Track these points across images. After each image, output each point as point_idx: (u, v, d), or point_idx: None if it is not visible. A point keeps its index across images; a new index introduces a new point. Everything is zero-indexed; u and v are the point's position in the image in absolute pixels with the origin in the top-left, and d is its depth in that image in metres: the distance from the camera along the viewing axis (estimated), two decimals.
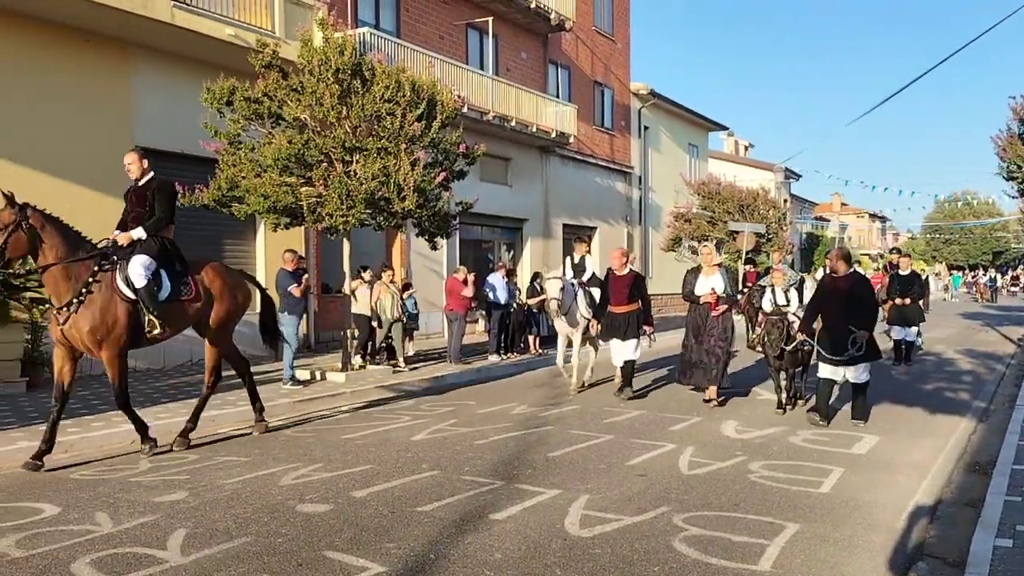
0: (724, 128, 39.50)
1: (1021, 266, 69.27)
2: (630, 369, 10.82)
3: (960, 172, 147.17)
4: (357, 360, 13.43)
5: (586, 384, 11.84)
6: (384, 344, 14.01)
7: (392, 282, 13.95)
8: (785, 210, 32.14)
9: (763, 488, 6.32)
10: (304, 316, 13.41)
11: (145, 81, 13.65)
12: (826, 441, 8.04)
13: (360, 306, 13.64)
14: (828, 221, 64.97)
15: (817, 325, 9.09)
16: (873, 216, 78.83)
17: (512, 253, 23.54)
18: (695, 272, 10.37)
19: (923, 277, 28.72)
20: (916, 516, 5.61)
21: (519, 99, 21.59)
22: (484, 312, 16.47)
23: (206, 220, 14.10)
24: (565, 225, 25.69)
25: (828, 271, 9.32)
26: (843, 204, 73.12)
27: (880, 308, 17.84)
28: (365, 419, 9.54)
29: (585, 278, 11.99)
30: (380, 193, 11.41)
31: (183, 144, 13.61)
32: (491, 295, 15.57)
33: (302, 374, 11.99)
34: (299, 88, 11.63)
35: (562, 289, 11.07)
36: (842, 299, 8.72)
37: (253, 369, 9.51)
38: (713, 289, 10.00)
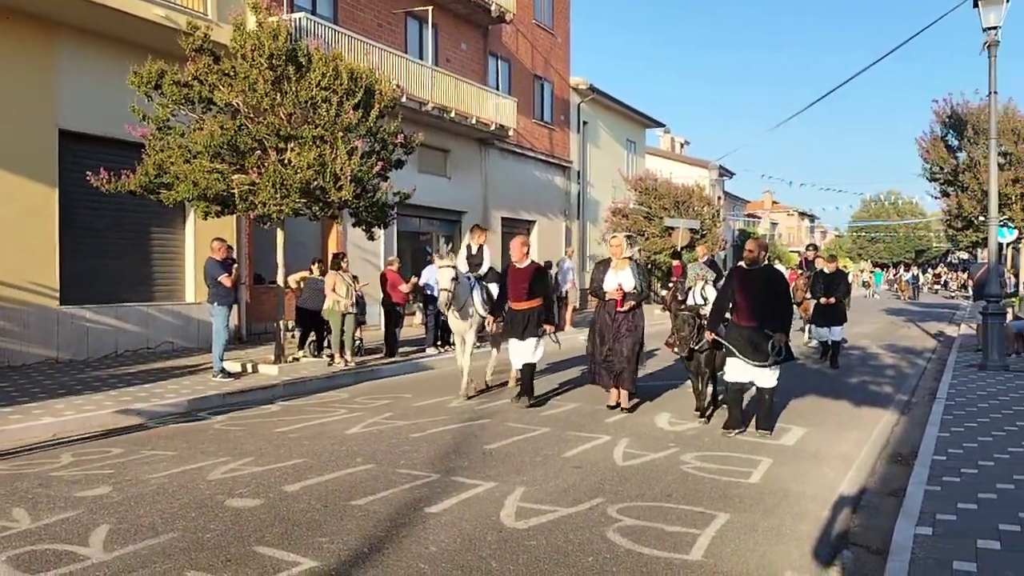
0: (661, 125, 40.01)
1: (942, 264, 71.93)
2: (529, 374, 9.79)
3: (885, 173, 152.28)
4: (301, 353, 13.24)
5: (489, 385, 11.11)
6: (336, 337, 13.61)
7: (346, 272, 13.57)
8: (719, 207, 32.75)
9: (695, 479, 6.41)
10: (235, 307, 13.13)
11: (69, 62, 13.12)
12: (756, 433, 8.20)
13: (308, 300, 13.37)
14: (759, 218, 66.48)
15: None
16: (802, 214, 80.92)
17: (450, 245, 23.43)
18: (603, 266, 9.40)
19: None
20: (841, 506, 5.77)
21: (459, 90, 21.47)
22: (421, 304, 16.36)
23: (132, 207, 13.69)
24: (504, 218, 25.69)
25: (742, 262, 8.32)
26: (774, 202, 74.90)
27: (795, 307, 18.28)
28: (298, 412, 9.38)
29: (482, 271, 11.29)
30: (316, 182, 11.22)
31: (109, 128, 13.16)
32: (429, 287, 15.45)
33: (232, 366, 11.73)
34: (231, 73, 11.34)
35: (454, 279, 10.02)
36: (755, 294, 7.94)
37: (182, 361, 9.27)
38: (620, 285, 9.10)
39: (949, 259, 76.73)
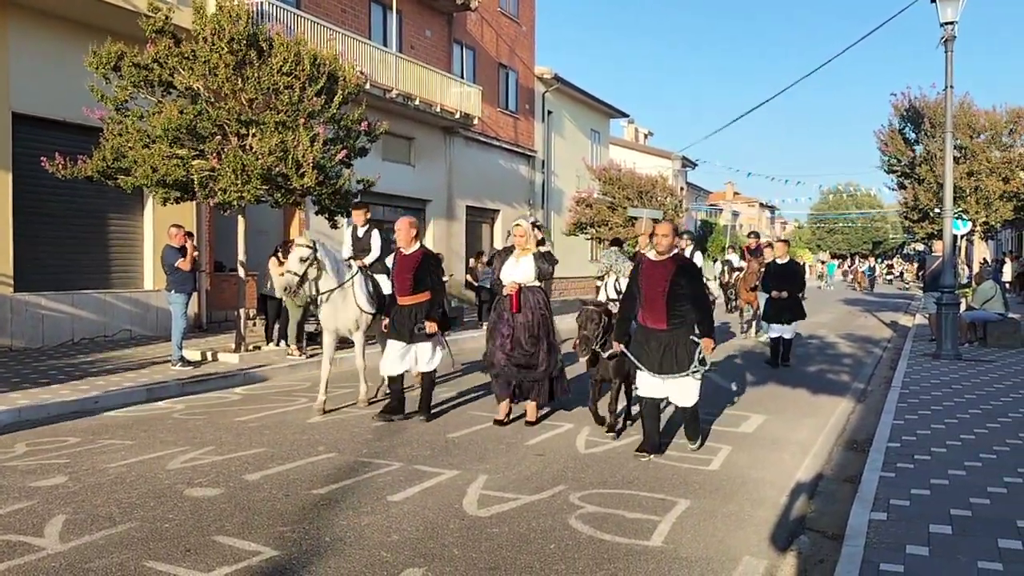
0: (625, 115, 40.16)
1: (897, 255, 73.31)
2: (427, 385, 8.21)
3: (844, 165, 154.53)
4: (272, 345, 13.09)
5: (379, 395, 9.36)
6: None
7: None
8: (681, 197, 32.97)
9: (656, 466, 6.48)
10: (195, 295, 12.95)
11: (23, 43, 12.79)
12: (716, 420, 8.30)
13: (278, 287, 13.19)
14: (721, 209, 67.13)
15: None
16: (763, 205, 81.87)
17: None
18: (503, 254, 8.04)
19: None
20: (798, 492, 5.87)
21: (423, 78, 21.35)
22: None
23: (89, 193, 13.43)
24: (468, 207, 25.65)
25: (651, 250, 6.86)
26: (735, 193, 75.67)
27: (734, 301, 17.19)
28: (259, 401, 9.29)
29: (369, 260, 9.79)
30: (277, 169, 11.08)
31: (65, 111, 12.88)
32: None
33: (192, 354, 11.58)
34: (192, 56, 11.14)
35: (309, 261, 8.26)
36: (666, 289, 6.51)
37: (140, 350, 9.13)
38: (514, 282, 7.74)
39: (904, 250, 78.21)
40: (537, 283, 7.80)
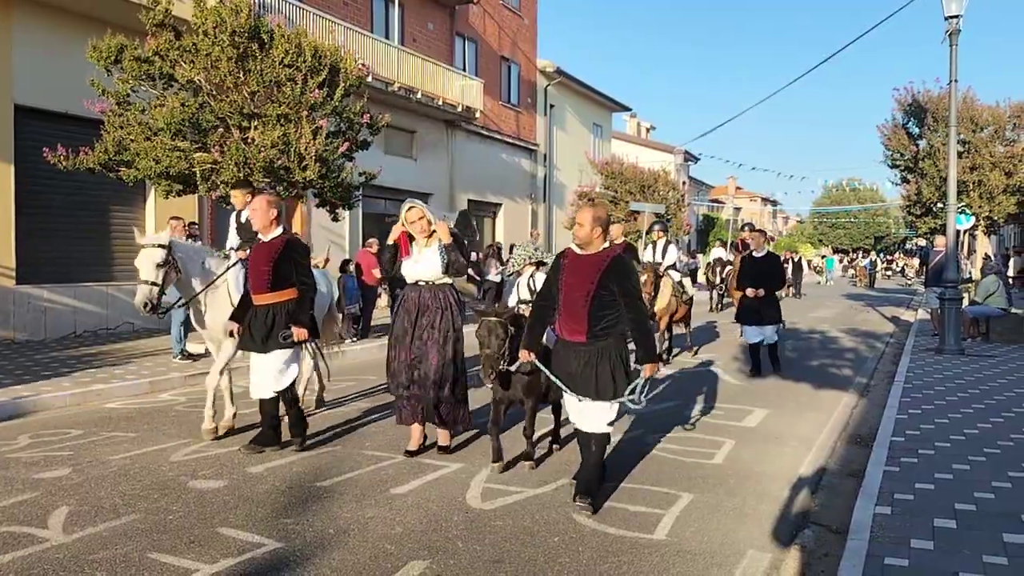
0: (627, 109, 40.06)
1: (899, 251, 73.18)
2: (288, 400, 6.63)
3: (847, 160, 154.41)
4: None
5: (234, 425, 7.27)
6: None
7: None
8: (684, 192, 32.93)
9: (659, 460, 6.47)
10: None
11: (25, 35, 12.77)
12: (719, 415, 8.30)
13: None
14: (723, 203, 67.05)
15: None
16: (765, 200, 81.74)
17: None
18: (392, 249, 6.47)
19: (796, 259, 29.76)
20: (802, 486, 5.86)
21: (425, 71, 21.30)
22: (387, 287, 16.27)
23: (92, 185, 13.40)
24: (470, 200, 25.61)
25: (575, 243, 5.39)
26: (738, 187, 75.50)
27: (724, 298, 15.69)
28: None
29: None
30: (280, 162, 11.07)
31: (67, 104, 12.85)
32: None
33: (195, 347, 11.57)
34: (193, 49, 11.12)
35: (165, 266, 6.67)
36: (589, 292, 5.09)
37: (143, 342, 9.11)
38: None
39: (906, 246, 78.11)
40: (447, 279, 6.41)
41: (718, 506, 5.32)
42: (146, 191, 14.54)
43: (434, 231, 6.35)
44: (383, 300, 18.21)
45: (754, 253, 11.26)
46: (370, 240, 15.69)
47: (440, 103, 21.90)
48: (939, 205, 22.66)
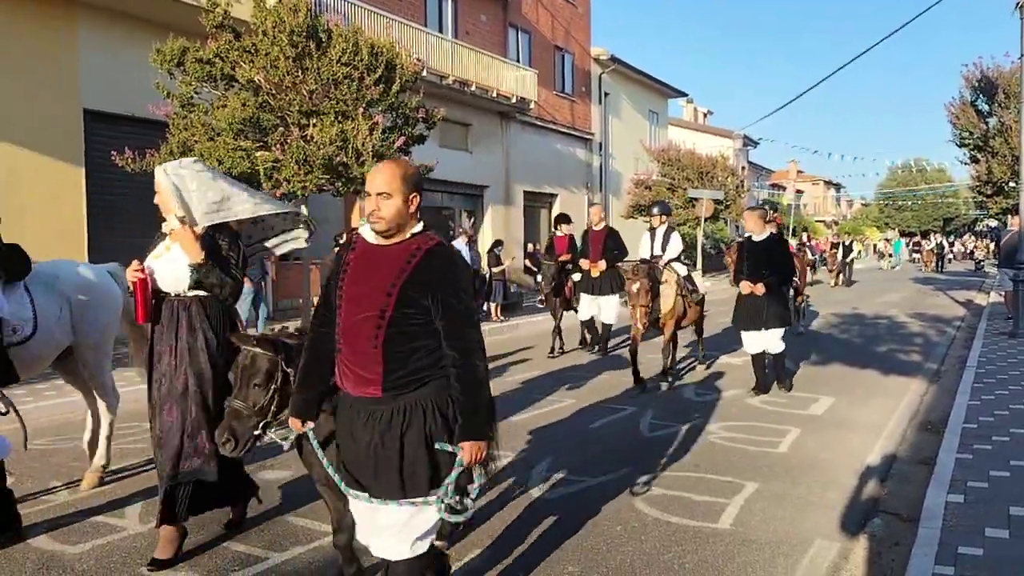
0: (684, 95, 39.57)
1: (968, 233, 70.77)
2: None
3: (913, 140, 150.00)
4: None
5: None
6: None
7: None
8: (743, 177, 32.41)
9: (722, 449, 6.40)
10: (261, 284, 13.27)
11: (91, 41, 13.20)
12: (783, 403, 8.17)
13: None
14: (784, 189, 65.78)
15: None
16: (828, 183, 79.94)
17: (473, 220, 23.44)
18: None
19: (847, 243, 28.32)
20: (870, 474, 5.74)
21: (479, 63, 21.35)
22: None
23: None
24: (526, 192, 25.62)
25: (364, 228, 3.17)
26: (799, 171, 74.00)
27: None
28: None
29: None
30: (338, 158, 11.23)
31: (131, 107, 13.22)
32: None
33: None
34: (252, 50, 11.34)
35: None
36: (384, 312, 2.96)
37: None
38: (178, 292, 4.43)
39: (977, 227, 75.53)
40: (188, 292, 4.34)
41: (784, 495, 5.24)
42: None
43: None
44: None
45: (753, 237, 8.83)
46: (427, 232, 15.83)
47: (494, 95, 21.93)
48: (1011, 184, 21.84)
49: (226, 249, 4.38)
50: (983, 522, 4.37)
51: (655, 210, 10.19)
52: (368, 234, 3.09)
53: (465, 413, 2.95)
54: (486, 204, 23.86)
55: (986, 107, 23.50)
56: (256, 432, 3.46)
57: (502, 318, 16.20)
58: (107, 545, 4.41)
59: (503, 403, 8.19)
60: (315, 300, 14.26)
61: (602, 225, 11.57)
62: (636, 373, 8.85)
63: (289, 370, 3.46)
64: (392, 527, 3.00)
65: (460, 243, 15.88)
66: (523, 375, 10.00)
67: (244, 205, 4.53)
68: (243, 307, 11.45)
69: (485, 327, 15.05)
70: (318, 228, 5.26)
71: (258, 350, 3.49)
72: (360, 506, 3.07)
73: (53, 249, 12.49)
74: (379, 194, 3.00)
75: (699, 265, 28.02)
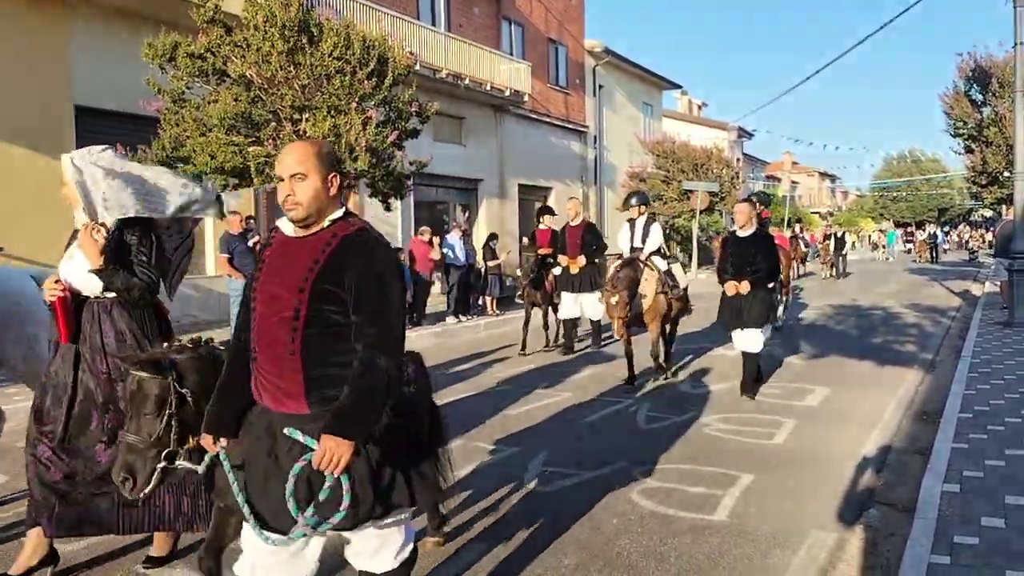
0: (678, 87, 39.51)
1: (964, 223, 70.84)
2: None
3: (907, 131, 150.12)
4: None
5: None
6: None
7: None
8: (738, 169, 32.41)
9: (718, 440, 6.40)
10: None
11: (83, 37, 13.12)
12: (779, 394, 8.16)
13: None
14: (779, 180, 65.82)
15: None
16: (823, 175, 79.99)
17: (468, 214, 23.40)
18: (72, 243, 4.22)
19: (839, 235, 28.25)
20: (866, 465, 5.74)
21: (472, 56, 21.29)
22: (440, 274, 16.39)
23: None
24: (520, 185, 25.58)
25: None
26: (794, 163, 74.05)
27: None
28: None
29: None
30: None
31: (123, 103, 13.16)
32: (449, 256, 15.49)
33: None
34: (244, 44, 11.28)
35: None
36: (295, 304, 2.63)
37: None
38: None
39: (972, 217, 75.63)
40: (107, 295, 3.94)
41: (780, 486, 5.24)
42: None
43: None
44: (436, 287, 18.38)
45: (738, 232, 8.36)
46: (423, 228, 15.81)
47: (488, 88, 21.88)
48: (1005, 174, 21.88)
49: (136, 245, 4.00)
50: (979, 511, 4.37)
51: (633, 200, 9.61)
52: (286, 226, 2.78)
53: (340, 407, 2.52)
54: (480, 197, 23.82)
55: (980, 97, 23.54)
56: (160, 464, 2.96)
57: (497, 312, 16.19)
58: (102, 543, 4.39)
59: (498, 397, 8.20)
60: None
61: (579, 220, 11.27)
62: (631, 369, 8.74)
63: (185, 390, 3.03)
64: (363, 553, 2.87)
65: (455, 237, 15.88)
66: (518, 368, 9.99)
67: (159, 202, 4.19)
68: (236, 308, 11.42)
69: (481, 320, 15.11)
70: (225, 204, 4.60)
71: (143, 374, 3.01)
72: (257, 545, 2.69)
73: (42, 243, 12.46)
74: (293, 176, 2.66)
75: (694, 257, 28.08)
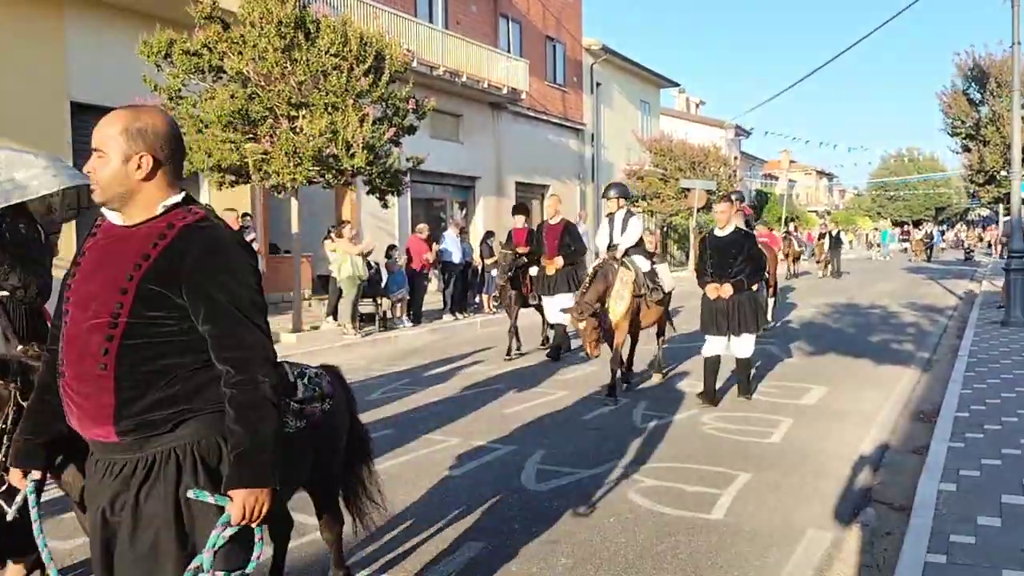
0: (676, 85, 39.52)
1: (961, 222, 70.87)
2: None
3: (905, 129, 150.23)
4: (334, 323, 13.17)
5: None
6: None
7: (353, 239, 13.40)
8: (735, 167, 32.41)
9: (715, 439, 6.39)
10: None
11: (78, 33, 13.07)
12: (776, 393, 8.16)
13: (334, 266, 13.16)
14: (777, 178, 65.83)
15: None
16: (820, 173, 79.99)
17: (465, 211, 23.38)
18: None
19: (835, 233, 28.12)
20: (863, 463, 5.73)
21: (470, 54, 21.26)
22: (438, 272, 16.37)
23: None
24: (518, 183, 25.56)
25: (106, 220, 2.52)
26: (791, 161, 74.05)
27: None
28: None
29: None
30: (328, 150, 11.16)
31: (119, 99, 13.03)
32: (446, 253, 15.46)
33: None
34: (241, 41, 11.25)
35: None
36: (112, 308, 2.14)
37: None
38: None
39: (968, 216, 75.69)
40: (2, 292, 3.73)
41: (776, 485, 5.23)
42: (199, 183, 14.79)
43: None
44: (433, 285, 18.36)
45: (716, 231, 7.85)
46: (420, 226, 15.77)
47: (485, 85, 21.85)
48: (1003, 173, 21.90)
49: (24, 237, 3.65)
50: (975, 510, 4.37)
51: (612, 193, 8.88)
52: (112, 212, 2.29)
53: (238, 449, 2.10)
54: (478, 195, 23.80)
55: (978, 96, 23.56)
56: None
57: (495, 310, 16.17)
58: None
59: (495, 394, 8.18)
60: (306, 294, 14.23)
61: (558, 218, 10.78)
62: (613, 376, 8.04)
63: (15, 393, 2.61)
64: None
65: (451, 234, 15.84)
66: (514, 366, 9.98)
67: (40, 179, 3.84)
68: None
69: (478, 318, 15.09)
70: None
71: None
72: None
73: None
74: (94, 150, 2.25)
75: (691, 256, 28.06)
